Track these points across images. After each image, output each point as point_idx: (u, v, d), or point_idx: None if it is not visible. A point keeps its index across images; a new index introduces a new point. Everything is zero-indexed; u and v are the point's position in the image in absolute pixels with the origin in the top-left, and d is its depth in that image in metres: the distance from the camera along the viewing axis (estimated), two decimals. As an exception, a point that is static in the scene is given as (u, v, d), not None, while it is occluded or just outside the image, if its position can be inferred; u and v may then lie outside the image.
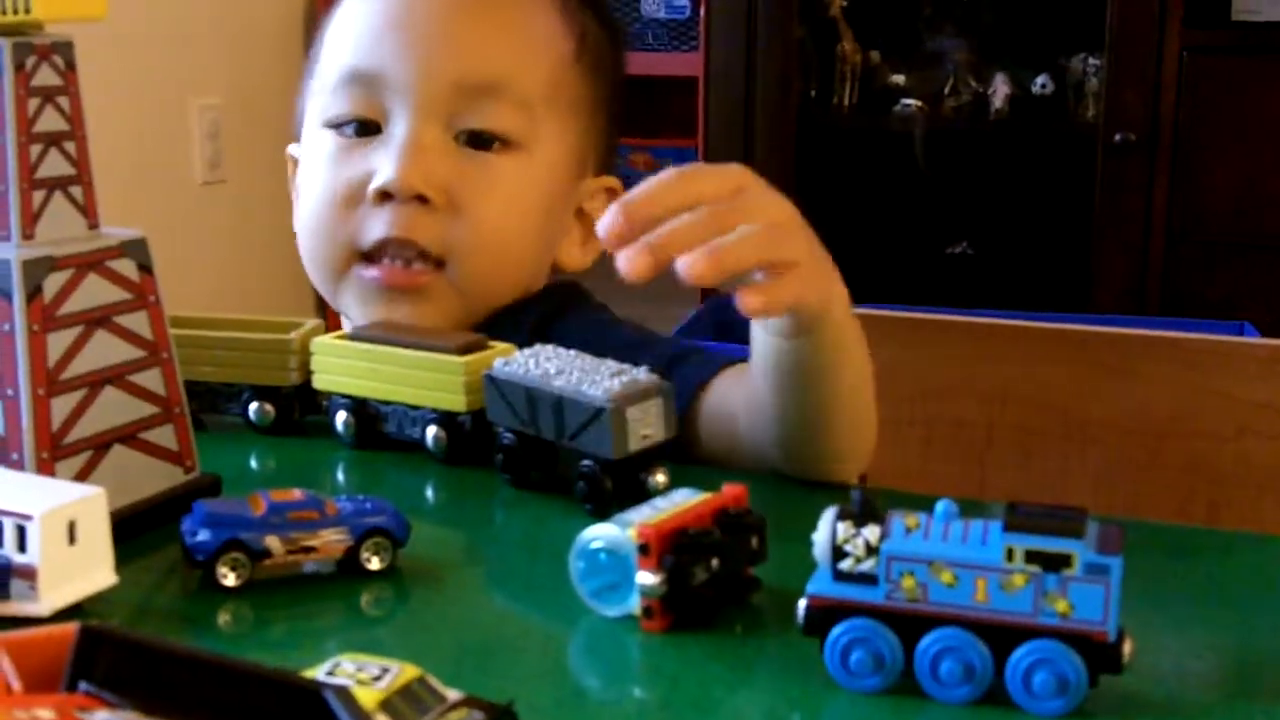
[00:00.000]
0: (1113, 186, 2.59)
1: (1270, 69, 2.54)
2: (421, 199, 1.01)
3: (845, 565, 0.61)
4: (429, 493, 0.90)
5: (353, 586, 0.73)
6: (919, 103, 2.84)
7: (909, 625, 0.61)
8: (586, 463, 0.82)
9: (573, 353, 0.86)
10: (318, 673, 0.52)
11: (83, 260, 0.76)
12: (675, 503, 0.71)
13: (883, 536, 0.61)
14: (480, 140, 1.04)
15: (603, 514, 0.75)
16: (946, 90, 2.85)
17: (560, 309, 1.09)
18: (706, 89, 2.75)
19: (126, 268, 0.79)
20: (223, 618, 0.71)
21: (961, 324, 1.33)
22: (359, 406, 0.94)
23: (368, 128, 1.04)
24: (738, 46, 2.72)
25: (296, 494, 0.74)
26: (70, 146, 0.77)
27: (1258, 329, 2.10)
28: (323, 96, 1.06)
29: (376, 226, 1.02)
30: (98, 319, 0.77)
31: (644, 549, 0.67)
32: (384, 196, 1.02)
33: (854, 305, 1.28)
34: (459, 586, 0.77)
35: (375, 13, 1.06)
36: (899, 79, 2.87)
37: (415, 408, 0.92)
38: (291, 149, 1.15)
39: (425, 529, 0.79)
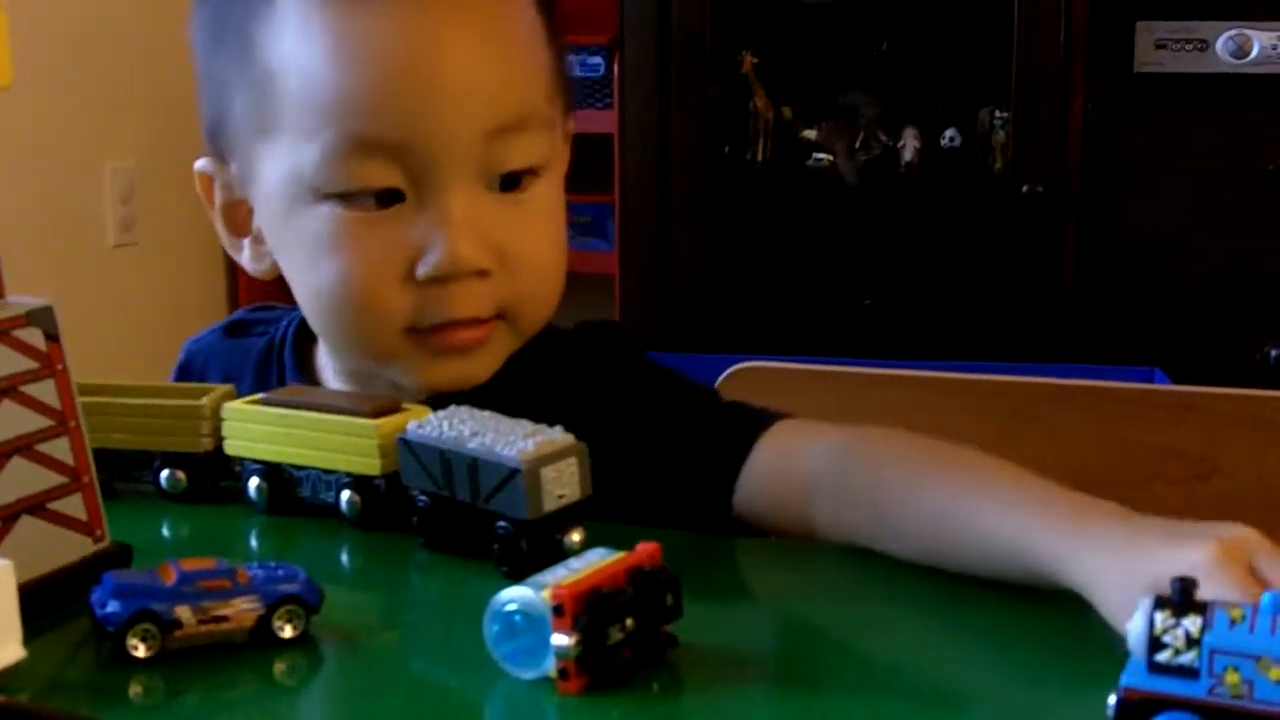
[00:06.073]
0: (1023, 236, 2.63)
1: (1172, 119, 2.60)
2: (480, 272, 0.94)
3: (1163, 657, 0.58)
4: (344, 557, 0.90)
5: (266, 656, 0.73)
6: (831, 156, 2.87)
7: None
8: (502, 524, 0.82)
9: (487, 413, 0.86)
10: (228, 745, 0.52)
11: (-12, 330, 0.76)
12: (590, 563, 0.71)
13: (1204, 628, 0.58)
14: (515, 181, 0.96)
15: (518, 576, 0.75)
16: (858, 144, 2.89)
17: (598, 360, 1.05)
18: (622, 146, 2.76)
19: (33, 336, 0.78)
20: (134, 690, 0.70)
21: (874, 376, 1.34)
22: (272, 472, 0.94)
23: (388, 196, 0.94)
24: (652, 104, 2.74)
25: (208, 563, 0.74)
26: (-26, 217, 0.76)
27: (1167, 375, 2.13)
28: (317, 166, 0.93)
29: (438, 308, 0.94)
30: (4, 389, 0.76)
31: (558, 610, 0.67)
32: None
33: (773, 359, 1.22)
34: (374, 653, 0.76)
35: (375, 69, 0.92)
36: (811, 134, 2.90)
37: (329, 472, 0.92)
38: (204, 165, 1.02)
39: (340, 594, 0.79)
